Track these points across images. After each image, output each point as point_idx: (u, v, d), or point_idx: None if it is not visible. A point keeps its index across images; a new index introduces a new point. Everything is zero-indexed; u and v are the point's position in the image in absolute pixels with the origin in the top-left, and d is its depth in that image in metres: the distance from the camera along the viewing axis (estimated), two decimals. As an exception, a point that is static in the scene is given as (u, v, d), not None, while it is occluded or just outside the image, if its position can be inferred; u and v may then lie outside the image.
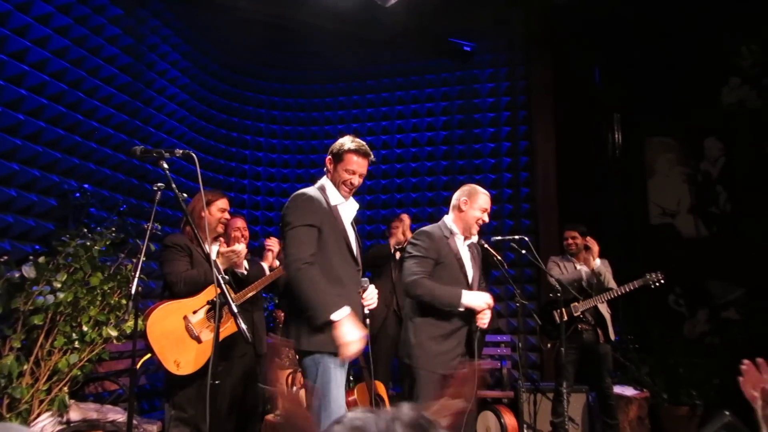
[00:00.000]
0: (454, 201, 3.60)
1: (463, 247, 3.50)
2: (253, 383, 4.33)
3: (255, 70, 7.09)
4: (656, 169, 6.58)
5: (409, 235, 5.44)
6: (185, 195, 2.36)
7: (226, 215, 3.60)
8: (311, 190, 2.88)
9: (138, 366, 3.33)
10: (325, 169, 2.97)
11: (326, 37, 6.74)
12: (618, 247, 5.06)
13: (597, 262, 4.80)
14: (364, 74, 7.15)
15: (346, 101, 7.17)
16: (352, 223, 3.00)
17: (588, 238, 4.93)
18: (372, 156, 2.96)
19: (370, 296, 2.91)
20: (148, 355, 3.18)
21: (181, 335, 3.15)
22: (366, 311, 2.88)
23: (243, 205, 6.90)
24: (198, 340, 3.19)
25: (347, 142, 2.90)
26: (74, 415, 3.35)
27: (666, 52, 6.38)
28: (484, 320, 3.31)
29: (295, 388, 4.31)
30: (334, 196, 2.91)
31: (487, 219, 3.53)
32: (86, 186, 4.43)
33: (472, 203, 3.50)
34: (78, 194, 4.29)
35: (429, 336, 3.31)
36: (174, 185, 2.32)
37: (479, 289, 3.50)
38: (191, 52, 6.11)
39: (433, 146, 6.86)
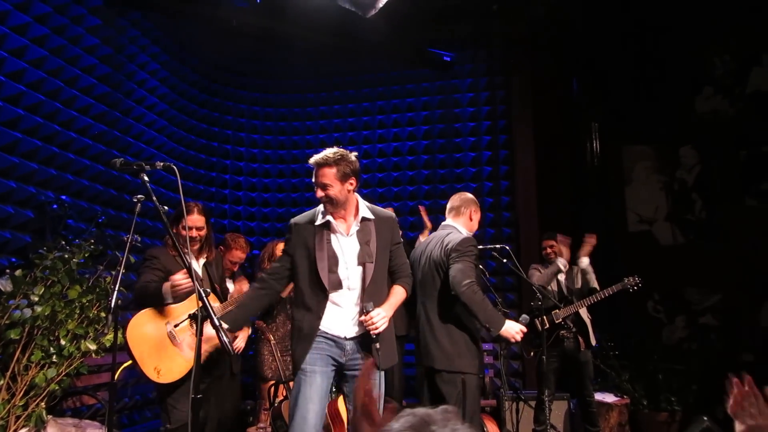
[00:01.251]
0: (464, 210, 3.72)
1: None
2: (232, 400, 4.30)
3: (235, 80, 7.07)
4: (634, 177, 6.68)
5: (428, 223, 5.46)
6: (166, 207, 2.34)
7: (194, 232, 3.41)
8: (301, 216, 3.00)
9: (117, 374, 3.29)
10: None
11: (307, 47, 6.75)
12: (597, 254, 5.11)
13: (585, 261, 4.84)
14: (345, 84, 7.17)
15: (327, 111, 7.18)
16: (364, 237, 2.91)
17: (586, 236, 4.97)
18: (329, 161, 2.84)
19: (372, 321, 2.75)
20: (129, 362, 3.13)
21: (162, 341, 3.10)
22: (373, 336, 2.76)
23: (224, 215, 6.86)
24: (180, 347, 3.15)
25: (317, 157, 2.90)
26: (52, 430, 3.29)
27: (641, 63, 6.50)
28: None
29: (277, 401, 4.28)
30: (321, 215, 2.93)
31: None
32: (64, 197, 4.38)
33: (476, 216, 3.76)
34: (55, 206, 4.23)
35: (466, 341, 3.46)
36: (154, 197, 2.30)
37: None
38: (170, 62, 6.08)
39: (414, 155, 6.89)
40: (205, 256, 3.53)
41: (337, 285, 2.83)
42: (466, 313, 3.42)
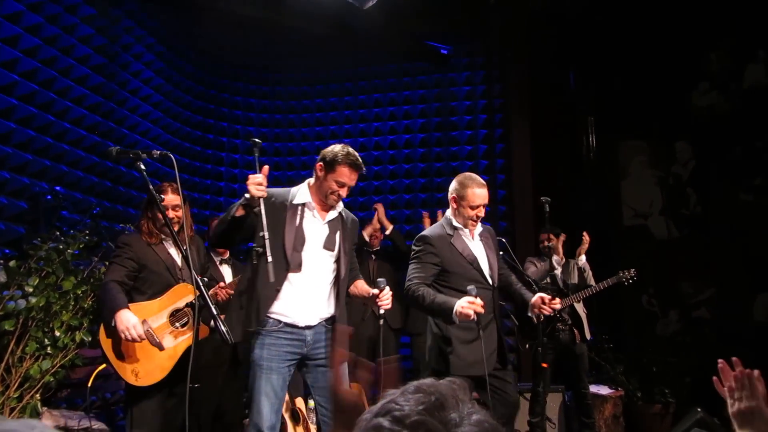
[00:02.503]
0: (449, 193, 3.35)
1: (472, 242, 3.31)
2: (231, 390, 4.30)
3: (231, 72, 7.03)
4: (629, 171, 6.69)
5: (387, 223, 5.55)
6: (163, 196, 2.32)
7: (171, 213, 3.08)
8: (277, 189, 2.93)
9: (90, 382, 3.26)
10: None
11: (303, 38, 6.72)
12: (593, 249, 5.13)
13: (583, 259, 4.88)
14: (342, 76, 7.14)
15: (323, 103, 7.15)
16: (336, 228, 2.98)
17: (584, 233, 5.00)
18: (364, 169, 2.97)
19: (385, 297, 2.84)
20: (103, 366, 3.04)
21: (140, 342, 2.88)
22: (381, 311, 2.84)
23: (219, 207, 6.83)
24: (159, 347, 2.94)
25: (340, 153, 2.89)
26: (46, 422, 3.28)
27: (638, 58, 6.50)
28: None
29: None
30: (303, 196, 2.93)
31: (482, 214, 3.28)
32: (58, 188, 4.34)
33: (466, 204, 3.24)
34: (50, 197, 4.20)
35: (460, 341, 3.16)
36: (151, 186, 2.28)
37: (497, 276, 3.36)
38: (166, 53, 6.03)
39: (411, 148, 6.88)
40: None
41: (298, 266, 2.82)
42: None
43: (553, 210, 3.81)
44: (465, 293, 3.01)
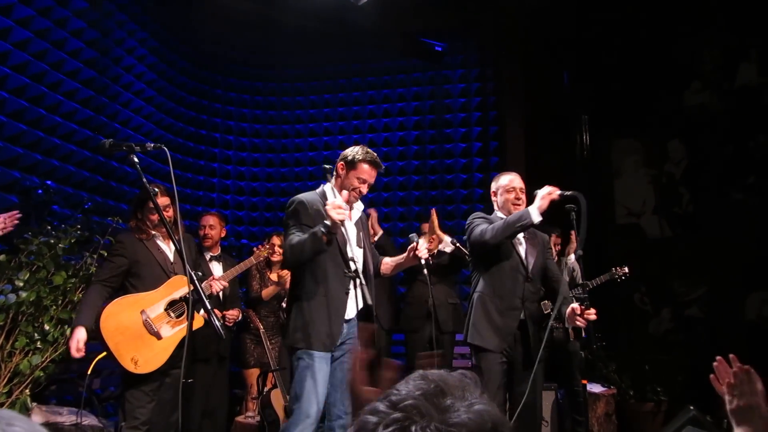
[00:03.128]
0: (492, 196, 3.66)
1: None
2: (218, 387, 4.29)
3: (225, 68, 6.99)
4: (623, 170, 6.71)
5: (378, 229, 5.45)
6: (156, 189, 2.30)
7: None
8: (307, 195, 3.04)
9: (90, 370, 3.25)
10: (333, 172, 3.08)
11: (297, 35, 6.69)
12: (586, 246, 5.13)
13: (572, 258, 4.86)
14: (336, 73, 7.12)
15: (317, 100, 7.12)
16: (360, 227, 3.15)
17: (572, 233, 4.97)
18: (383, 167, 3.15)
19: (422, 247, 2.99)
20: (103, 354, 3.06)
21: (138, 331, 2.98)
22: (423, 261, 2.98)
23: (212, 203, 6.79)
24: (158, 336, 3.01)
25: (361, 152, 3.06)
26: (36, 418, 3.24)
27: (631, 56, 6.52)
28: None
29: (266, 389, 4.26)
30: (332, 198, 3.02)
31: (522, 195, 3.52)
32: (49, 183, 4.30)
33: (502, 191, 3.55)
34: (40, 191, 4.16)
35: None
36: (145, 179, 2.26)
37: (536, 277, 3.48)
38: (159, 48, 5.99)
39: (405, 146, 6.86)
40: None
41: (348, 264, 2.97)
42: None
43: (547, 208, 3.76)
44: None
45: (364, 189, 3.06)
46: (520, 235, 3.47)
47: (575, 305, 3.30)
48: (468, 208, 6.54)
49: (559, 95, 6.72)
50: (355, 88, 7.06)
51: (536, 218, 3.22)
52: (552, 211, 3.55)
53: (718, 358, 1.60)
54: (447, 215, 6.59)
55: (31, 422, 0.75)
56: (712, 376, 1.60)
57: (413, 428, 0.70)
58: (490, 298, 3.36)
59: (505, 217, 3.44)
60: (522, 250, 3.49)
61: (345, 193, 3.01)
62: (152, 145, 2.29)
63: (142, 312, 3.01)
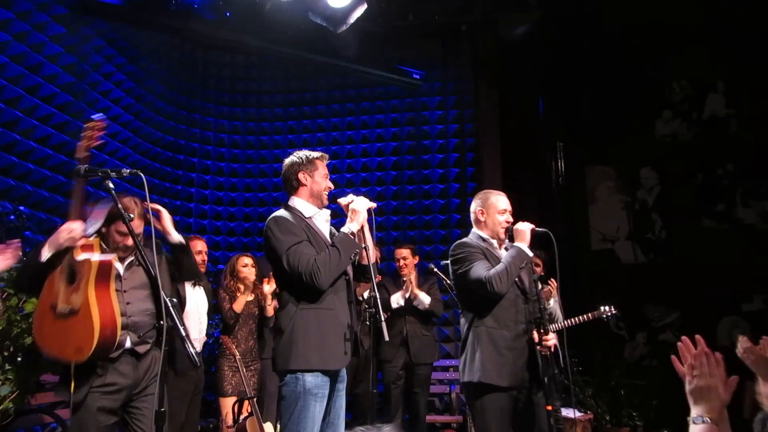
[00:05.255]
0: (471, 216, 3.42)
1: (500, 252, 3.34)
2: (194, 411, 4.22)
3: (203, 93, 6.99)
4: (597, 196, 6.84)
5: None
6: (132, 215, 2.29)
7: (129, 241, 2.74)
8: (280, 213, 2.88)
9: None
10: (292, 186, 2.96)
11: (277, 61, 6.75)
12: (562, 272, 5.18)
13: (551, 302, 4.75)
14: (315, 99, 7.17)
15: (295, 126, 7.15)
16: (332, 231, 3.01)
17: (551, 280, 4.89)
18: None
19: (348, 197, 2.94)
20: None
21: (62, 322, 2.55)
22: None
23: (189, 229, 6.73)
24: (73, 311, 2.56)
25: (306, 152, 3.01)
26: (3, 451, 3.14)
27: (605, 86, 6.70)
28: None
29: (242, 417, 4.19)
30: (307, 209, 2.93)
31: (511, 219, 3.35)
32: (22, 208, 4.23)
33: (494, 212, 3.32)
34: (13, 217, 4.09)
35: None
36: (120, 205, 2.24)
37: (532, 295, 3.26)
38: (137, 73, 5.98)
39: (383, 171, 6.91)
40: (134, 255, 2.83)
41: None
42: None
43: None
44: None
45: (331, 184, 3.01)
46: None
47: (534, 333, 3.12)
48: (446, 233, 6.60)
49: (534, 123, 6.85)
50: (334, 114, 7.11)
51: (530, 254, 3.19)
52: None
53: (683, 338, 1.61)
54: (425, 240, 6.62)
55: None
56: (673, 357, 1.61)
57: None
58: (497, 331, 3.11)
59: (488, 237, 3.30)
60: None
61: (323, 196, 2.95)
62: (128, 170, 2.28)
63: (51, 306, 2.60)
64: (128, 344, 2.62)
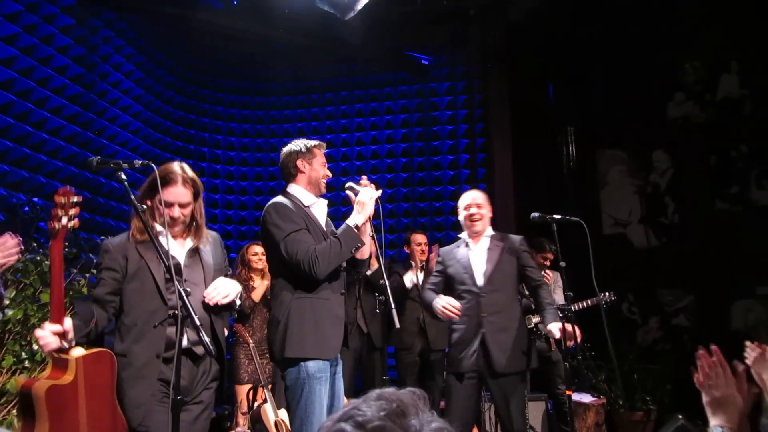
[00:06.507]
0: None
1: (475, 250, 3.65)
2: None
3: (212, 82, 7.00)
4: (608, 180, 6.79)
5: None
6: (144, 206, 2.30)
7: (176, 211, 2.50)
8: (280, 199, 2.90)
9: None
10: (290, 173, 2.97)
11: (285, 49, 6.73)
12: (573, 258, 5.16)
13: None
14: (324, 87, 7.15)
15: (305, 114, 7.15)
16: (328, 221, 3.04)
17: (546, 272, 4.92)
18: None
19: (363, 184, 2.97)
20: None
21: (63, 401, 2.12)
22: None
23: (200, 218, 6.76)
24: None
25: (304, 141, 3.01)
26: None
27: (615, 68, 6.62)
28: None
29: (256, 404, 4.23)
30: (306, 197, 2.95)
31: (473, 211, 3.68)
32: (36, 200, 4.27)
33: (460, 210, 3.78)
34: (27, 208, 4.13)
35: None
36: (133, 196, 2.26)
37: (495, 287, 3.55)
38: (145, 63, 5.99)
39: (393, 158, 6.90)
40: (193, 239, 2.60)
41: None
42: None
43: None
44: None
45: (329, 172, 3.04)
46: (476, 247, 3.66)
47: (559, 325, 3.41)
48: (456, 220, 6.57)
49: (544, 107, 6.79)
50: (343, 101, 7.09)
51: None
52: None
53: (700, 350, 1.61)
54: (436, 227, 6.61)
55: None
56: (692, 368, 1.61)
57: None
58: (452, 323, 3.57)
59: (467, 238, 3.74)
60: (476, 265, 3.60)
61: (321, 184, 2.98)
62: (140, 162, 2.29)
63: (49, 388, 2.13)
64: (185, 343, 2.35)
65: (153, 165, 2.23)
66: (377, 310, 4.44)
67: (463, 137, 6.77)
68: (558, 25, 6.46)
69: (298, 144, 2.99)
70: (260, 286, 4.68)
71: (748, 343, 1.81)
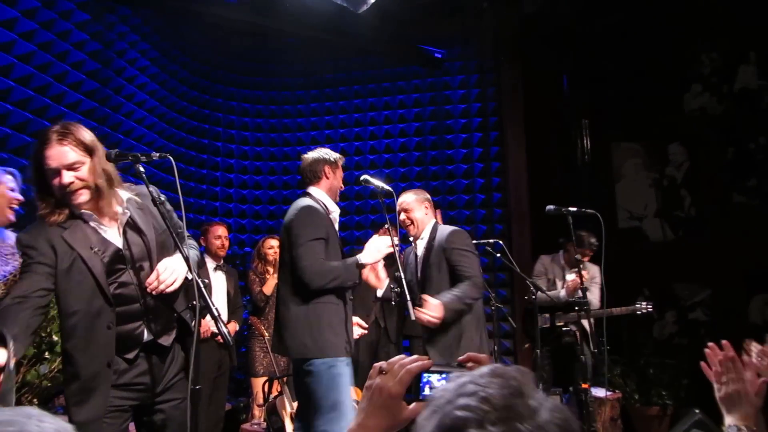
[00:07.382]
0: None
1: (418, 254, 3.73)
2: (219, 392, 4.32)
3: (226, 77, 7.03)
4: (624, 173, 6.72)
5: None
6: (163, 197, 2.31)
7: (64, 178, 2.20)
8: (312, 203, 3.05)
9: None
10: (316, 176, 3.15)
11: (298, 43, 6.73)
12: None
13: (589, 292, 4.39)
14: (336, 81, 7.15)
15: (318, 108, 7.15)
16: (335, 231, 3.20)
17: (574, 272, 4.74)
18: None
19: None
20: None
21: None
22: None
23: (215, 212, 6.82)
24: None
25: (331, 151, 3.24)
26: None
27: (631, 60, 6.54)
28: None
29: (272, 396, 4.26)
30: (331, 205, 3.13)
31: (401, 217, 3.72)
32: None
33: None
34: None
35: None
36: (151, 188, 2.27)
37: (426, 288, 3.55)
38: (160, 58, 6.02)
39: (406, 152, 6.89)
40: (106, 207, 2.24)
41: None
42: None
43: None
44: None
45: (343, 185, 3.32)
46: (418, 251, 3.74)
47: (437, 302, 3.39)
48: (470, 214, 6.57)
49: (559, 100, 6.74)
50: (356, 95, 7.09)
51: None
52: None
53: (710, 344, 1.60)
54: (449, 221, 6.59)
55: (59, 420, 0.77)
56: (703, 363, 1.60)
57: (521, 428, 0.70)
58: None
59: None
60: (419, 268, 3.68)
61: (337, 194, 3.21)
62: (157, 154, 2.30)
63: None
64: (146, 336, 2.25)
65: (170, 157, 2.24)
66: (392, 303, 4.44)
67: (477, 130, 6.74)
68: (572, 16, 6.40)
69: (327, 152, 3.20)
70: (272, 279, 4.71)
71: (747, 341, 1.78)
